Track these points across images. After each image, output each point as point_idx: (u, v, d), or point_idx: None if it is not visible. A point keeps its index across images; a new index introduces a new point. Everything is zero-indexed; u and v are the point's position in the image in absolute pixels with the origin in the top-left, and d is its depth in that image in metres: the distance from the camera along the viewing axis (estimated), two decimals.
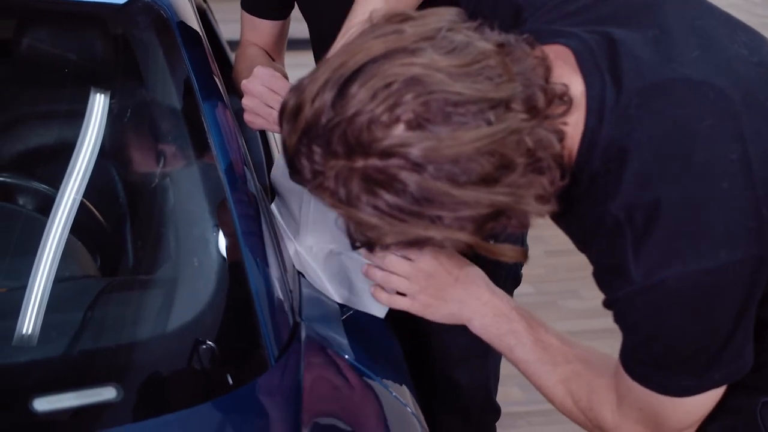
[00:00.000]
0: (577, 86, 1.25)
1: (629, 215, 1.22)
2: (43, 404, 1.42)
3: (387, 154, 1.15)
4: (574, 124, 1.25)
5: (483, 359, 2.20)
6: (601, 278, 1.31)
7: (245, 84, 1.84)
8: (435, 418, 1.81)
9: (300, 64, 2.22)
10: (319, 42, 2.16)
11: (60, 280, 1.67)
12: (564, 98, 1.24)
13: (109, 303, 1.69)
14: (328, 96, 1.17)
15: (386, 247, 1.25)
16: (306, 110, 1.18)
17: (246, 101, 1.84)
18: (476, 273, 1.57)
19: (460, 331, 2.14)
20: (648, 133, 1.22)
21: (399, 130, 1.14)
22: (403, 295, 1.56)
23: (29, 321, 1.58)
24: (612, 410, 1.43)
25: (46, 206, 1.84)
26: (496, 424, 2.44)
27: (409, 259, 1.53)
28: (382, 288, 1.57)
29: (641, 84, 1.24)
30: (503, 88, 1.17)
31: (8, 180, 2.03)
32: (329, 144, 1.17)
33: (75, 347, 1.58)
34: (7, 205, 1.97)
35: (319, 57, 2.17)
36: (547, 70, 1.24)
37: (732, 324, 1.25)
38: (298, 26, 2.26)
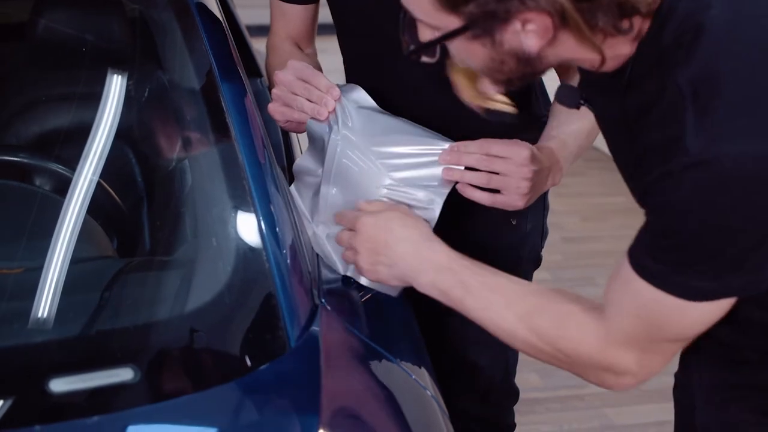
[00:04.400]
0: None
1: (695, 87, 1.22)
2: (60, 385, 1.41)
3: None
4: None
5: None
6: (649, 156, 1.29)
7: (278, 74, 1.86)
8: (453, 398, 1.80)
9: (322, 50, 2.21)
10: (342, 27, 2.14)
11: (77, 260, 1.66)
12: None
13: (127, 283, 1.69)
14: None
15: None
16: None
17: (275, 90, 1.85)
18: (413, 234, 1.60)
19: None
20: (725, 13, 1.23)
21: None
22: None
23: (46, 301, 1.57)
24: (595, 328, 1.41)
25: (63, 187, 1.83)
26: (514, 408, 2.44)
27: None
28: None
29: None
30: None
31: (25, 160, 2.02)
32: None
33: (93, 327, 1.57)
34: (24, 185, 1.97)
35: (343, 42, 2.16)
36: None
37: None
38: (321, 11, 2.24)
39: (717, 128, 1.20)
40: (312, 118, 1.80)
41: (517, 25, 1.27)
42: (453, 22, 1.30)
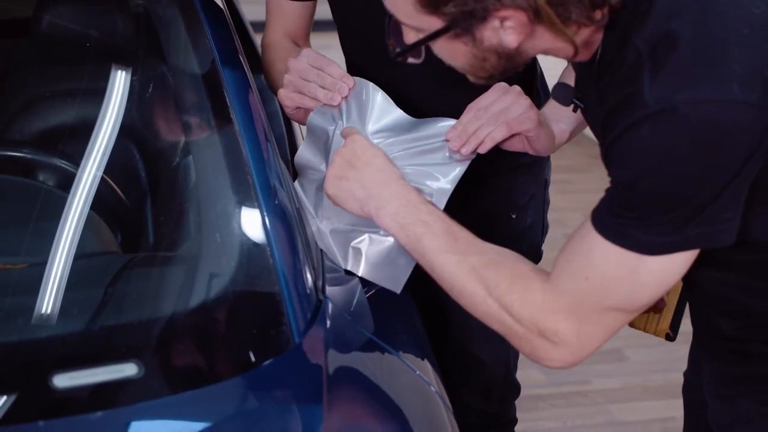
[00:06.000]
0: None
1: (652, 46, 1.25)
2: (64, 380, 1.41)
3: None
4: None
5: None
6: (613, 116, 1.31)
7: (291, 61, 1.86)
8: (455, 393, 1.80)
9: (326, 46, 2.21)
10: (344, 25, 2.14)
11: (81, 256, 1.66)
12: None
13: (131, 279, 1.68)
14: None
15: None
16: None
17: (287, 76, 1.85)
18: (393, 170, 1.62)
19: None
20: None
21: None
22: None
23: (50, 296, 1.57)
24: (542, 289, 1.42)
25: (67, 183, 1.83)
26: (517, 403, 2.44)
27: None
28: None
29: None
30: None
31: (29, 156, 2.02)
32: None
33: (96, 323, 1.57)
34: (28, 181, 1.97)
35: (345, 40, 2.16)
36: None
37: (728, 178, 1.24)
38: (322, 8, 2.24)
39: (673, 79, 1.23)
40: (324, 104, 1.80)
41: (495, 22, 1.31)
42: (435, 23, 1.34)
